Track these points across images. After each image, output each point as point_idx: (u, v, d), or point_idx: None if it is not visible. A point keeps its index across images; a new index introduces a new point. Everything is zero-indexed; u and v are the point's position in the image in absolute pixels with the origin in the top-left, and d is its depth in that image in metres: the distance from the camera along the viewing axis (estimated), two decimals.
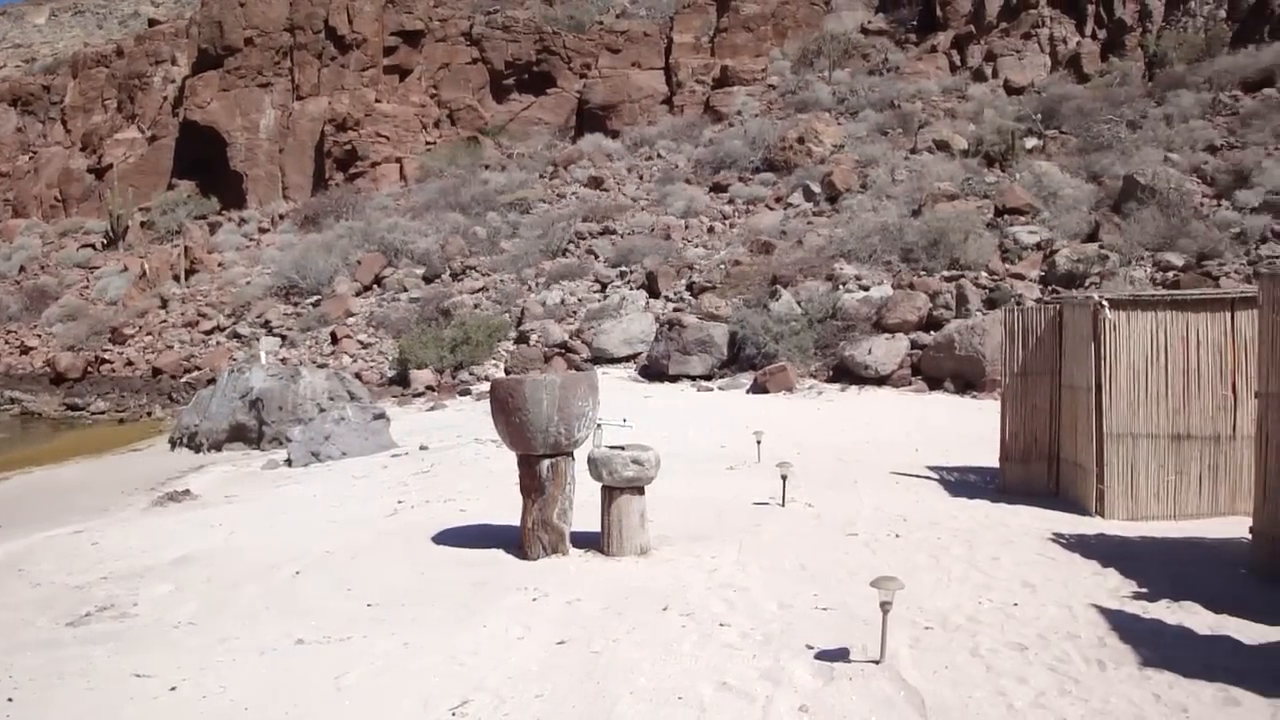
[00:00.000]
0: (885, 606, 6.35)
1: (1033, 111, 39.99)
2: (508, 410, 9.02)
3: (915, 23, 52.92)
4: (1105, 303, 11.55)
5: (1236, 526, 10.26)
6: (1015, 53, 46.93)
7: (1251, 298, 11.64)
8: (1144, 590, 7.96)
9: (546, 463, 9.14)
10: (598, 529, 9.44)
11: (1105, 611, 7.43)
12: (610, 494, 9.20)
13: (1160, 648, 6.61)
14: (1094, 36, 46.26)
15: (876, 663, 6.38)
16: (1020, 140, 37.17)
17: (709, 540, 9.87)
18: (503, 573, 8.86)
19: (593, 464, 9.16)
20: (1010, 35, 47.70)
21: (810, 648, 6.73)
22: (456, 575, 8.83)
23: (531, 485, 9.22)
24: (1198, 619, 7.25)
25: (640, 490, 9.24)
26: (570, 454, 9.36)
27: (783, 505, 11.64)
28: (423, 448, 18.11)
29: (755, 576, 8.56)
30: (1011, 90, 43.93)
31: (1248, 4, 42.21)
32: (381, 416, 19.89)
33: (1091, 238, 27.91)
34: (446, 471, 15.41)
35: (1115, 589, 8.08)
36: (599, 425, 9.79)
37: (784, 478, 11.71)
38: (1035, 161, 35.08)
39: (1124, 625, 7.10)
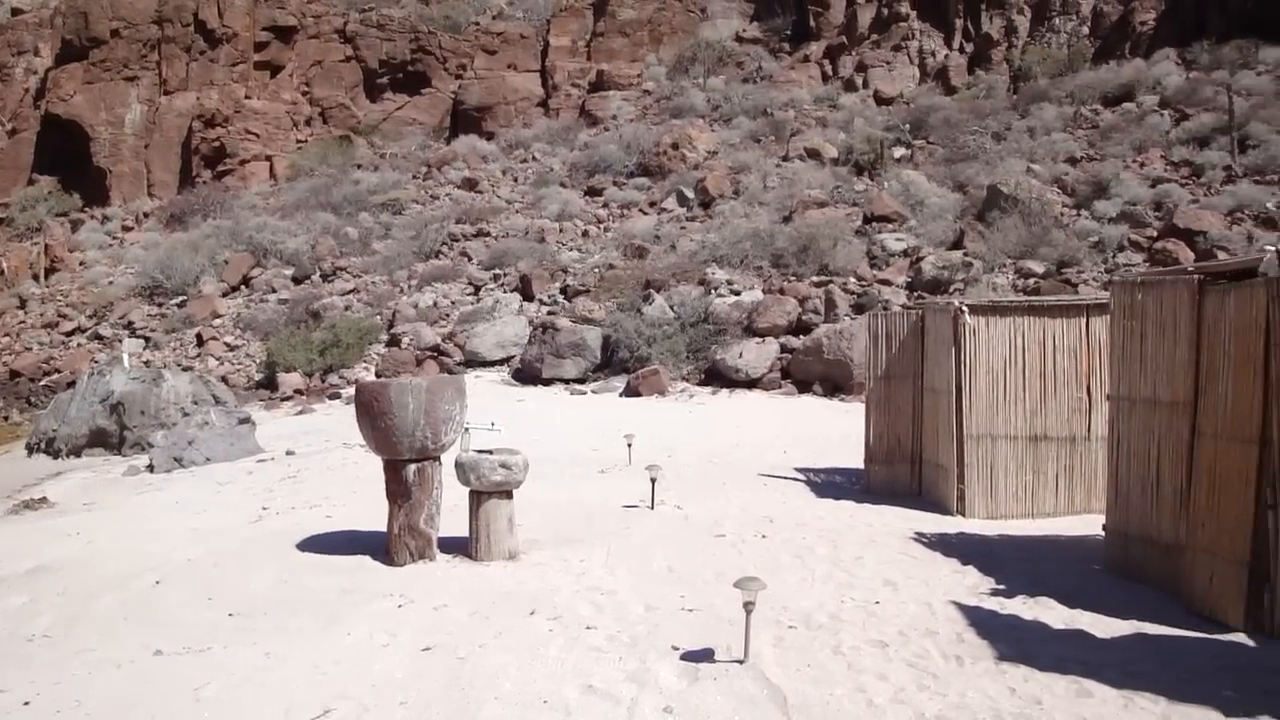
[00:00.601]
0: (748, 607, 6.39)
1: (901, 122, 40.89)
2: (373, 414, 8.85)
3: (789, 32, 53.68)
4: (965, 308, 11.83)
5: (1091, 524, 10.55)
6: (885, 64, 47.98)
7: (1105, 304, 12.03)
8: (1002, 587, 8.16)
9: (413, 467, 8.98)
10: (466, 534, 9.33)
11: (964, 608, 7.59)
12: (478, 499, 9.09)
13: (1016, 642, 6.77)
14: (962, 50, 47.52)
15: (740, 662, 6.39)
16: (889, 149, 38.13)
17: (578, 544, 9.84)
18: (369, 579, 8.69)
19: (460, 468, 9.02)
20: (881, 47, 48.66)
21: (676, 649, 6.72)
22: (321, 583, 8.64)
23: (398, 490, 9.05)
24: (1053, 614, 7.44)
25: (508, 494, 9.15)
26: (437, 458, 9.21)
27: (652, 508, 11.67)
28: (289, 453, 17.79)
29: (623, 579, 8.54)
30: (881, 100, 44.90)
31: (1109, 22, 43.80)
32: (247, 421, 19.50)
33: (956, 245, 28.63)
34: (313, 477, 15.14)
35: (974, 586, 8.27)
36: (466, 429, 9.66)
37: (653, 480, 11.75)
38: (903, 170, 35.91)
39: (982, 621, 7.26)
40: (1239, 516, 7.06)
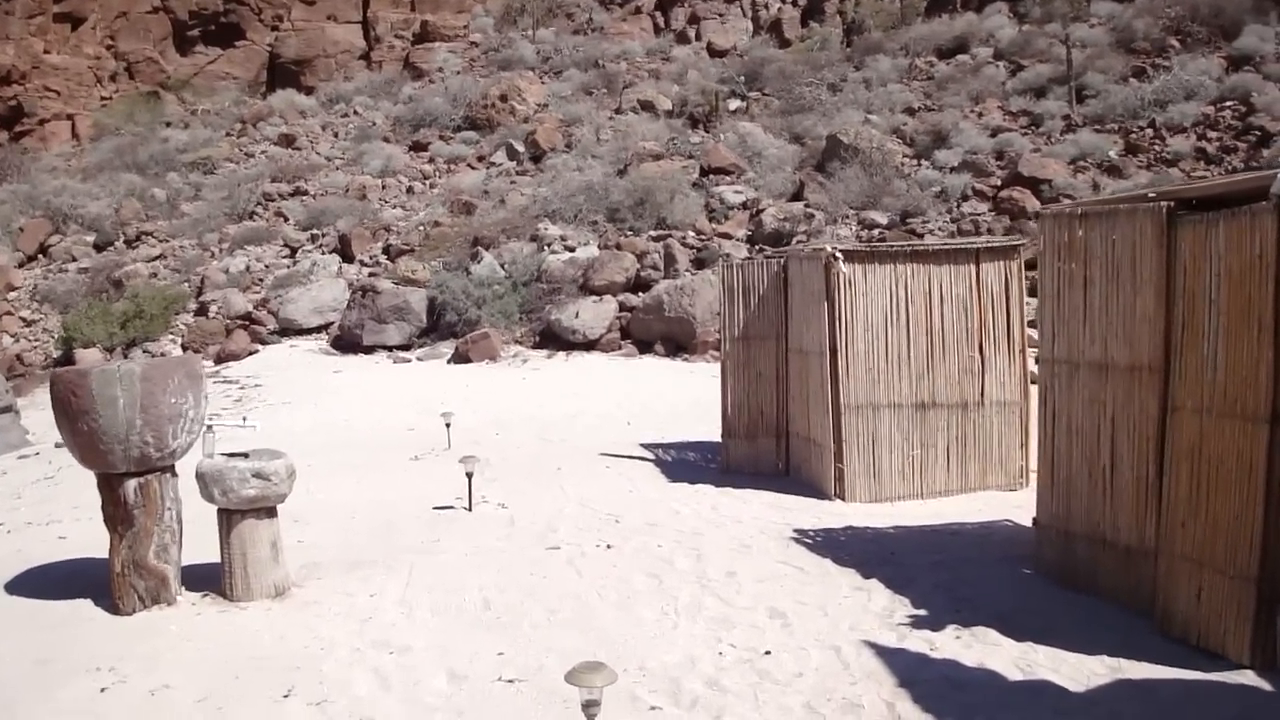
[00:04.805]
0: (591, 711, 4.24)
1: (736, 74, 39.84)
2: (71, 413, 6.42)
3: None
4: (839, 254, 9.97)
5: (988, 505, 9.20)
6: (718, 16, 47.42)
7: (998, 247, 10.40)
8: (922, 613, 6.19)
9: (133, 484, 6.62)
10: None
11: (883, 652, 5.60)
12: (229, 519, 6.81)
13: (969, 712, 4.82)
14: (794, 3, 47.22)
15: None
16: (724, 101, 37.17)
17: (371, 567, 7.61)
18: (79, 639, 6.30)
19: (202, 480, 6.70)
20: None
21: None
22: (15, 648, 6.19)
23: (117, 514, 6.66)
24: (1001, 654, 5.53)
25: (270, 512, 6.85)
26: (168, 469, 6.86)
27: (470, 509, 9.51)
28: (58, 445, 15.16)
29: (422, 625, 6.37)
30: (714, 53, 44.07)
31: None
32: (8, 410, 16.83)
33: (797, 197, 27.65)
34: (74, 476, 12.50)
35: (886, 612, 6.32)
36: (209, 427, 7.31)
37: (469, 475, 9.52)
38: (739, 122, 34.94)
39: (913, 674, 5.29)
40: (1239, 516, 5.29)
